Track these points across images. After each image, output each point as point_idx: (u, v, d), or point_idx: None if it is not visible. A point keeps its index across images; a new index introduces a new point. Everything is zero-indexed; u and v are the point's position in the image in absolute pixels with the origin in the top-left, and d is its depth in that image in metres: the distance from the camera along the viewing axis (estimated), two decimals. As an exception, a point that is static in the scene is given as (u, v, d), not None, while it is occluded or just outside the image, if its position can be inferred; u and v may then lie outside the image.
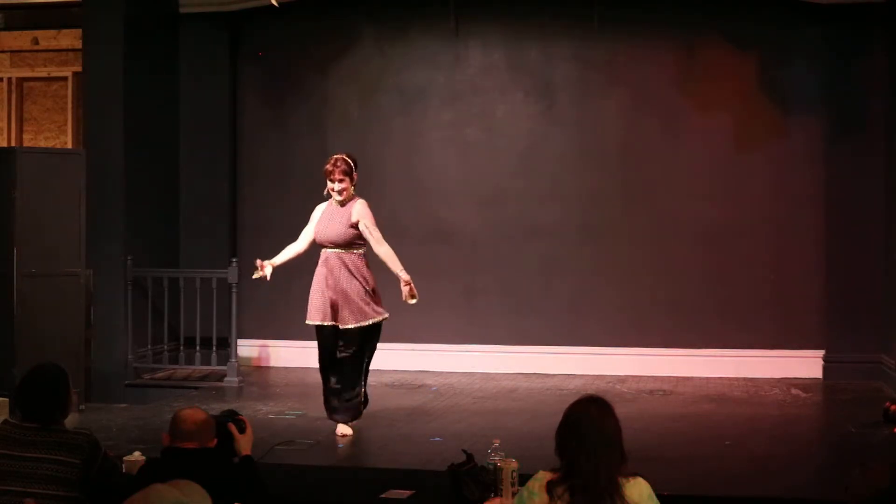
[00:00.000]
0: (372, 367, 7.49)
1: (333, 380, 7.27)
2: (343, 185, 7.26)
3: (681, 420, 7.85)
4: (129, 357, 9.41)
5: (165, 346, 9.92)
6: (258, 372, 10.20)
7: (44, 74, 10.66)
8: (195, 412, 4.29)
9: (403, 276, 7.23)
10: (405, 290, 7.25)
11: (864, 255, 9.50)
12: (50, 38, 10.60)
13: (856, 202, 9.55)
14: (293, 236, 7.54)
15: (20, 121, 10.68)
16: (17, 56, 10.70)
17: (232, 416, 4.54)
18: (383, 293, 7.45)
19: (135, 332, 9.45)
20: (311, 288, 7.30)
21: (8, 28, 10.64)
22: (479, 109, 10.34)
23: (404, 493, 5.49)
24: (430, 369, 9.99)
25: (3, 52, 10.70)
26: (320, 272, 7.28)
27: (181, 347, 9.97)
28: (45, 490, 4.12)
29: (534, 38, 10.24)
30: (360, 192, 7.44)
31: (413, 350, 10.06)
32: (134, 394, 9.25)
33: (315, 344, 7.38)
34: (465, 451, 5.26)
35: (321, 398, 7.43)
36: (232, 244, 10.44)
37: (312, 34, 10.53)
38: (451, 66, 10.39)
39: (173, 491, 3.28)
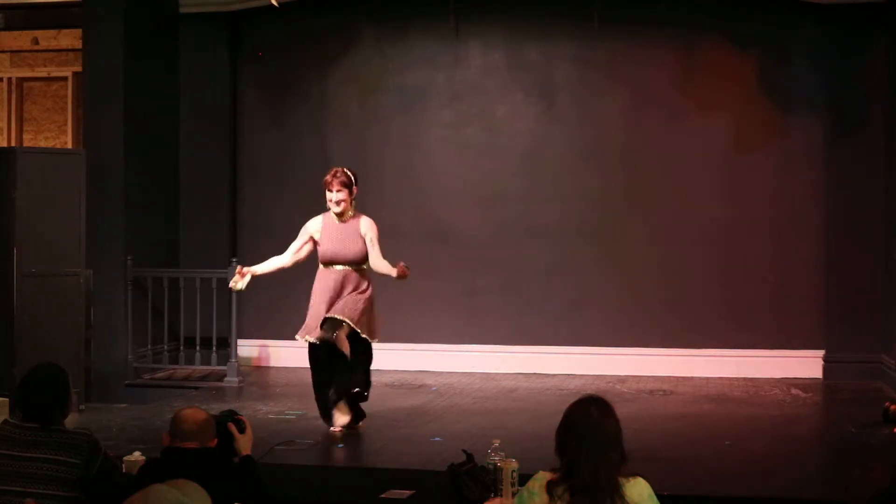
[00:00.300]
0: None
1: (330, 382, 7.25)
2: (341, 196, 7.20)
3: (681, 420, 7.85)
4: (129, 357, 9.41)
5: (165, 346, 9.92)
6: (258, 372, 10.20)
7: (44, 74, 10.67)
8: (195, 412, 4.29)
9: (394, 268, 7.17)
10: (399, 267, 7.13)
11: (864, 255, 9.50)
12: (50, 38, 10.60)
13: (856, 202, 9.55)
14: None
15: (20, 121, 10.69)
16: (17, 56, 10.70)
17: (231, 416, 4.54)
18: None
19: (135, 332, 9.45)
20: (312, 302, 7.26)
21: (8, 28, 10.64)
22: (479, 109, 10.34)
23: (404, 493, 5.49)
24: (430, 369, 9.99)
25: (3, 52, 10.71)
26: (324, 288, 7.22)
27: (181, 347, 9.97)
28: (46, 490, 4.12)
29: (534, 38, 10.24)
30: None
31: (413, 350, 10.06)
32: (134, 394, 9.25)
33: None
34: (465, 451, 5.25)
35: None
36: (232, 244, 10.44)
37: (312, 34, 10.54)
38: (451, 66, 10.39)
39: (173, 491, 3.28)
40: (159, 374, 9.71)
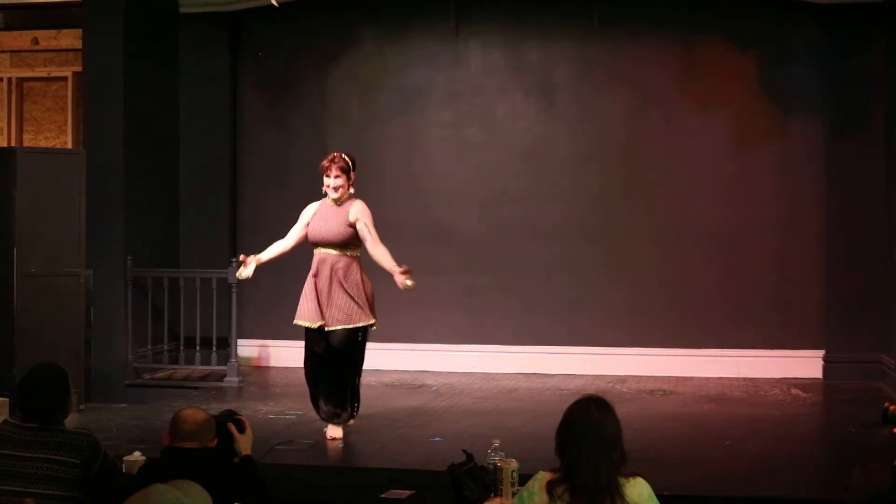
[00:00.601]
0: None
1: (320, 383, 7.17)
2: (339, 182, 7.11)
3: (681, 420, 7.84)
4: (129, 357, 9.41)
5: (165, 346, 9.92)
6: (258, 372, 10.19)
7: (44, 74, 10.67)
8: (195, 412, 4.29)
9: (397, 268, 6.96)
10: (401, 278, 6.91)
11: (864, 255, 9.50)
12: (50, 38, 10.60)
13: (856, 202, 9.55)
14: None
15: (20, 121, 10.69)
16: (17, 56, 10.70)
17: (231, 416, 4.54)
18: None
19: (135, 332, 9.45)
20: (303, 289, 7.20)
21: (8, 28, 10.64)
22: (479, 109, 10.34)
23: (404, 493, 5.49)
24: (430, 369, 9.99)
25: (3, 52, 10.71)
26: (311, 273, 7.16)
27: (181, 347, 9.97)
28: (46, 490, 4.12)
29: (534, 38, 10.24)
30: (359, 191, 7.39)
31: (413, 350, 10.06)
32: (134, 394, 9.25)
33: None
34: (465, 451, 5.25)
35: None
36: (232, 244, 10.44)
37: (312, 34, 10.53)
38: (451, 66, 10.39)
39: (173, 491, 3.29)
40: (159, 374, 9.71)
